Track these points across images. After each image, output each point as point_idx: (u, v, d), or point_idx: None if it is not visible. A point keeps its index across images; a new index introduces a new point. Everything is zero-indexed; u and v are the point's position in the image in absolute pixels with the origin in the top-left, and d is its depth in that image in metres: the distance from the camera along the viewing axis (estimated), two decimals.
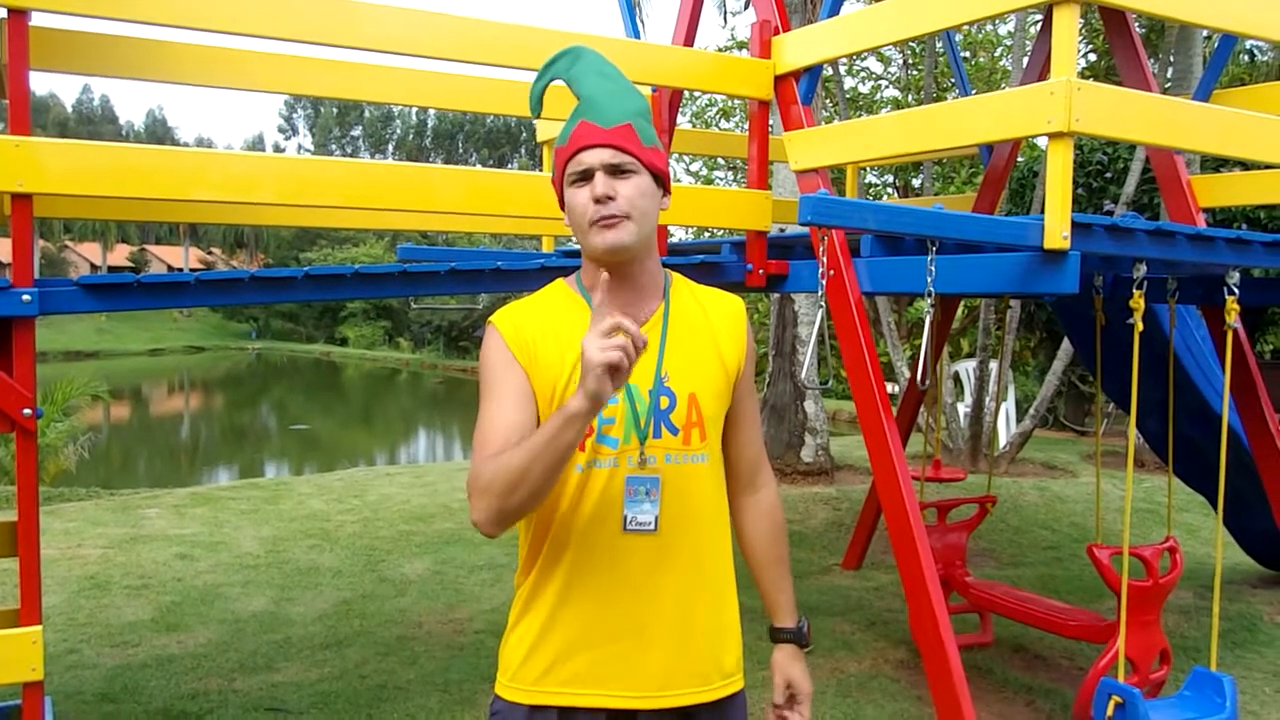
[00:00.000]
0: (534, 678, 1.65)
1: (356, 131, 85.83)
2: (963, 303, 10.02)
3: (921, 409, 7.33)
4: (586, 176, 1.63)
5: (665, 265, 1.81)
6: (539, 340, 1.65)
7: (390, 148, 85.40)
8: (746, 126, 4.49)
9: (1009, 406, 12.12)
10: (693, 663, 1.67)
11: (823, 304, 3.72)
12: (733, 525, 1.81)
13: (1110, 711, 3.30)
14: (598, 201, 1.61)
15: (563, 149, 1.67)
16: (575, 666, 1.64)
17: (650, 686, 1.64)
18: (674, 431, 1.65)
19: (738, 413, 1.78)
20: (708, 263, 4.24)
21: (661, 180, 1.69)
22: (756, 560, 1.84)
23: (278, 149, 77.42)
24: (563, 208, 1.71)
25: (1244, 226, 8.55)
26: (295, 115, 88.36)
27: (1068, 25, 2.95)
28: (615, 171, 1.62)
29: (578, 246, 1.70)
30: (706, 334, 1.72)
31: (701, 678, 1.68)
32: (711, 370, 1.70)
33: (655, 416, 1.64)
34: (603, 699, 1.63)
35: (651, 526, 1.62)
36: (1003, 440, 10.90)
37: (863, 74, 15.84)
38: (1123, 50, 4.27)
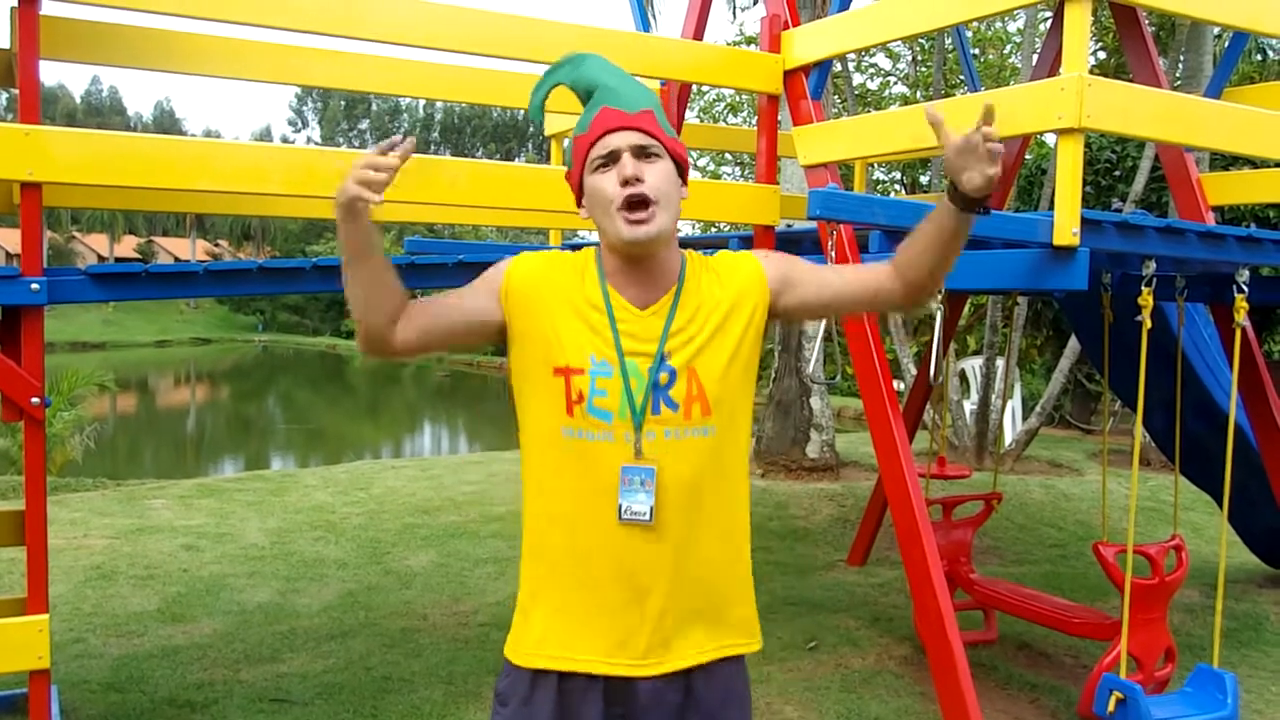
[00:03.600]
0: (534, 644, 1.69)
1: (364, 125, 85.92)
2: (969, 300, 10.00)
3: (928, 406, 7.33)
4: (613, 159, 1.62)
5: None
6: (539, 293, 1.67)
7: None
8: (754, 122, 4.48)
9: (1015, 404, 12.09)
10: (686, 632, 1.67)
11: None
12: (904, 278, 1.74)
13: (1111, 707, 3.30)
14: (626, 183, 1.59)
15: (584, 136, 1.65)
16: (571, 635, 1.66)
17: (641, 653, 1.64)
18: (673, 407, 1.64)
19: (818, 284, 1.74)
20: None
21: (682, 169, 1.69)
22: (913, 250, 1.72)
23: (285, 141, 77.65)
24: (579, 202, 1.70)
25: (1252, 225, 8.52)
26: (305, 108, 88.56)
27: (1079, 21, 2.94)
28: (641, 154, 1.61)
29: (583, 241, 1.71)
30: (715, 305, 1.69)
31: (695, 645, 1.68)
32: (718, 344, 1.67)
33: (654, 393, 1.63)
34: (599, 665, 1.65)
35: (646, 517, 1.61)
36: (1008, 438, 10.87)
37: (871, 70, 15.81)
38: (1133, 47, 4.26)
